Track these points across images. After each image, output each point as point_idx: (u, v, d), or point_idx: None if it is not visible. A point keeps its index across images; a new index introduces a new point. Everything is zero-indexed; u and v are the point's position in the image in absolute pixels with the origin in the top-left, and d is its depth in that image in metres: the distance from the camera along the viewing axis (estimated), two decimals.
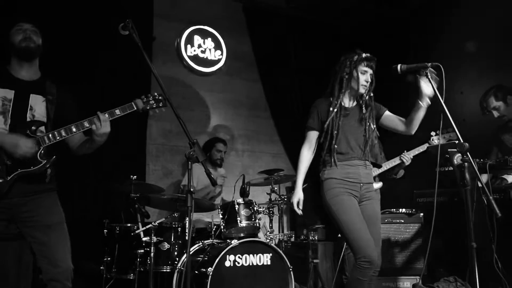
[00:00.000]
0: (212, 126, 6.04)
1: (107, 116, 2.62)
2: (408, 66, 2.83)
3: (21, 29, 2.66)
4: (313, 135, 3.18)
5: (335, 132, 3.02)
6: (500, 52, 4.98)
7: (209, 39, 6.13)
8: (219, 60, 6.16)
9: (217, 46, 6.17)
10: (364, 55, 3.07)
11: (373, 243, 2.82)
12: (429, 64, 2.69)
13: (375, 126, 3.11)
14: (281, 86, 6.49)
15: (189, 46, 5.97)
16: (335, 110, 3.05)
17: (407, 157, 4.29)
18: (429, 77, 2.65)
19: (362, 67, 3.05)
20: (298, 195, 3.14)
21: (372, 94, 3.12)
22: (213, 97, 6.15)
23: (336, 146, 3.01)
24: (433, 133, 4.12)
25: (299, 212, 3.15)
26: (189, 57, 5.95)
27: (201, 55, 6.03)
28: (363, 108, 3.10)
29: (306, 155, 3.17)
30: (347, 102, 3.14)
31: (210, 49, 6.11)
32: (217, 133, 5.88)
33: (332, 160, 3.00)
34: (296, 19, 6.63)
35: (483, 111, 4.17)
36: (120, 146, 4.82)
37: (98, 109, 2.70)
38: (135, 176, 4.05)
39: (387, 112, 3.15)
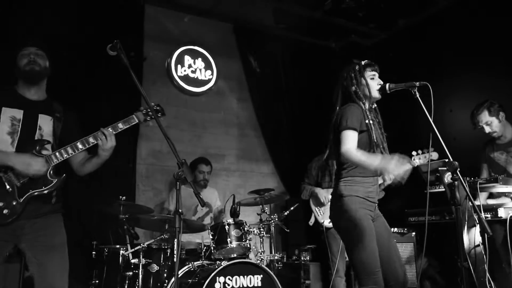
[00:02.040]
0: (203, 146, 6.01)
1: (110, 130, 2.66)
2: (396, 85, 2.84)
3: (26, 53, 2.70)
4: (355, 137, 2.76)
5: (382, 146, 2.80)
6: (489, 69, 5.03)
7: (200, 59, 6.15)
8: (209, 80, 6.17)
9: (208, 66, 6.19)
10: (364, 62, 2.97)
11: (379, 272, 2.68)
12: (417, 83, 2.70)
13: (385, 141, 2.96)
14: (271, 106, 6.51)
15: (179, 66, 5.98)
16: (371, 121, 2.83)
17: (388, 176, 4.24)
18: (417, 96, 2.66)
19: (369, 73, 2.94)
20: (390, 162, 2.62)
21: (376, 106, 3.01)
22: (204, 116, 6.14)
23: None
24: (414, 153, 4.11)
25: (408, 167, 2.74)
26: (180, 77, 5.96)
27: (191, 75, 6.05)
28: (376, 119, 2.96)
29: (357, 150, 2.72)
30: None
31: (200, 69, 6.13)
32: (208, 153, 5.85)
33: (359, 173, 2.77)
34: (286, 39, 6.68)
35: (474, 125, 4.09)
36: (109, 166, 4.75)
37: (85, 130, 2.70)
38: (124, 197, 4.00)
39: None
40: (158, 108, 2.77)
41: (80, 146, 2.61)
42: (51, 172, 2.58)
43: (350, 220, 2.73)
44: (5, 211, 2.45)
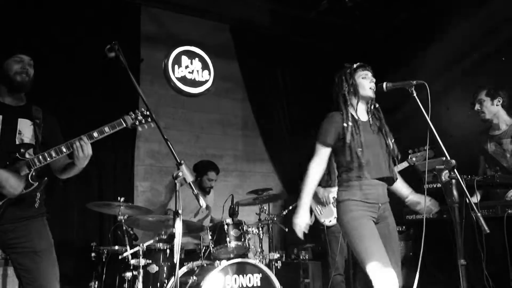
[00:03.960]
0: (201, 147, 6.02)
1: (86, 139, 2.59)
2: (393, 84, 2.85)
3: (20, 61, 2.67)
4: (326, 153, 2.89)
5: (359, 149, 2.80)
6: (487, 67, 5.04)
7: (197, 59, 6.16)
8: (206, 80, 6.18)
9: (205, 67, 6.19)
10: (355, 64, 2.98)
11: (393, 271, 2.66)
12: (414, 82, 2.71)
13: (393, 140, 2.98)
14: (269, 105, 6.53)
15: (176, 67, 5.99)
16: (350, 124, 2.84)
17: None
18: (414, 95, 2.67)
19: (360, 73, 2.94)
20: (304, 218, 2.86)
21: (378, 105, 3.01)
22: (202, 117, 6.15)
23: (364, 164, 2.78)
24: (410, 151, 4.12)
25: (301, 236, 2.91)
26: (177, 78, 5.96)
27: (188, 76, 6.05)
28: (374, 119, 2.97)
29: (317, 172, 2.88)
30: (361, 115, 2.94)
31: (197, 70, 6.14)
32: (206, 154, 5.86)
33: (360, 178, 2.79)
34: (282, 39, 6.69)
35: (472, 105, 4.04)
36: (108, 168, 4.79)
37: (85, 131, 2.69)
38: (122, 198, 4.01)
39: None
40: (147, 113, 2.71)
41: (64, 150, 2.57)
42: (33, 174, 2.53)
43: (348, 224, 2.76)
44: None
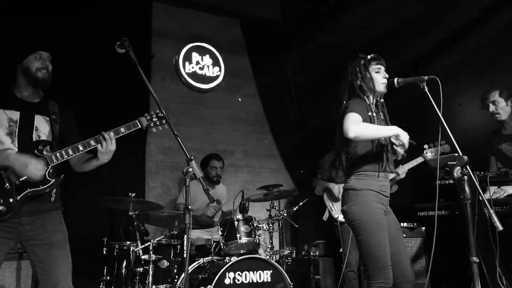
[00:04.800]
0: (212, 143, 6.03)
1: (112, 134, 2.67)
2: (404, 80, 2.83)
3: (41, 58, 2.73)
4: (360, 119, 2.76)
5: (383, 139, 2.82)
6: (499, 62, 4.98)
7: (207, 55, 6.15)
8: (217, 76, 6.18)
9: (215, 63, 6.19)
10: (369, 56, 2.96)
11: (390, 267, 2.69)
12: (426, 77, 2.68)
13: None
14: (279, 101, 6.51)
15: (187, 63, 5.99)
16: (374, 114, 2.84)
17: (401, 170, 4.24)
18: (426, 90, 2.64)
19: (374, 66, 2.93)
20: (396, 129, 2.74)
21: (383, 100, 3.01)
22: (212, 113, 6.15)
23: (389, 154, 2.82)
24: (426, 146, 4.09)
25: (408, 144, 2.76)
26: (188, 74, 5.97)
27: (199, 71, 6.06)
28: (381, 114, 2.97)
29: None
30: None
31: (208, 66, 6.13)
32: (217, 149, 5.86)
33: (379, 168, 2.80)
34: (293, 34, 6.66)
35: (482, 103, 4.07)
36: (119, 164, 4.81)
37: (98, 128, 2.72)
38: (133, 194, 4.03)
39: None
40: (161, 115, 2.77)
41: (81, 148, 2.63)
42: (50, 171, 2.59)
43: (364, 214, 2.74)
44: (1, 208, 2.47)
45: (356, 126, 2.71)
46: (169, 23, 5.98)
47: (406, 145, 2.75)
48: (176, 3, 6.00)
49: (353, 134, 2.70)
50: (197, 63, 6.06)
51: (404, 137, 2.71)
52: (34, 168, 2.51)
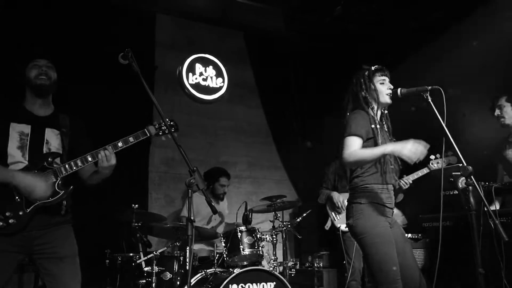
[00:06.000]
0: (215, 154, 6.03)
1: (111, 149, 2.67)
2: (408, 90, 2.83)
3: (37, 65, 2.74)
4: (359, 144, 2.77)
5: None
6: (503, 72, 4.97)
7: (211, 67, 6.18)
8: (220, 87, 6.19)
9: (219, 74, 6.21)
10: (374, 67, 2.96)
11: (400, 281, 2.65)
12: (429, 87, 2.68)
13: None
14: (282, 112, 6.52)
15: (190, 74, 6.01)
16: (378, 126, 2.83)
17: (406, 181, 4.23)
18: (429, 100, 2.64)
19: (378, 78, 2.93)
20: (399, 145, 2.65)
21: (386, 111, 3.00)
22: (216, 124, 6.16)
23: (392, 166, 2.81)
24: (432, 157, 4.07)
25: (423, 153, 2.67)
26: (191, 85, 5.99)
27: (202, 83, 6.08)
28: (384, 125, 2.96)
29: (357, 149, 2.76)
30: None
31: (211, 77, 6.16)
32: (220, 161, 5.86)
33: (382, 181, 2.79)
34: (296, 45, 6.69)
35: (492, 107, 4.07)
36: (122, 174, 4.80)
37: (102, 139, 2.73)
38: (136, 205, 4.02)
39: None
40: (172, 123, 2.82)
41: (90, 159, 2.64)
42: (59, 182, 2.59)
43: (369, 228, 2.72)
44: (11, 221, 2.46)
45: (352, 156, 2.72)
46: (173, 35, 6.02)
47: (413, 158, 2.63)
48: (179, 15, 6.04)
49: (350, 165, 2.82)
50: (201, 74, 6.09)
51: (406, 151, 2.61)
52: (39, 189, 2.50)
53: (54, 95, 2.87)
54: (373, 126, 2.83)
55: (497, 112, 3.99)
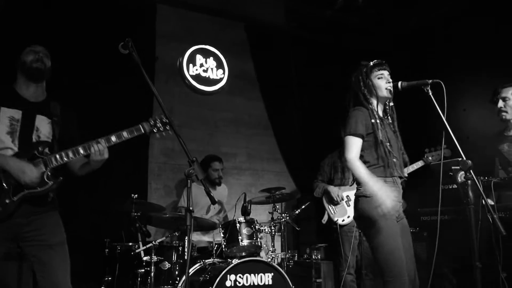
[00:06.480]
0: (215, 145, 6.03)
1: (104, 143, 2.65)
2: (408, 83, 2.83)
3: (34, 51, 2.73)
4: (360, 143, 2.84)
5: (388, 144, 2.82)
6: (503, 68, 4.97)
7: (211, 58, 6.16)
8: (221, 79, 6.18)
9: (219, 65, 6.19)
10: (372, 62, 2.97)
11: (406, 274, 2.67)
12: (430, 81, 2.68)
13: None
14: (283, 104, 6.50)
15: (191, 65, 6.00)
16: (378, 121, 2.85)
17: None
18: (430, 94, 2.64)
19: (376, 73, 2.93)
20: (384, 191, 2.70)
21: (392, 104, 3.00)
22: (216, 115, 6.15)
23: (395, 160, 2.80)
24: (426, 150, 4.07)
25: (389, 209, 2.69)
26: (191, 76, 5.97)
27: (203, 74, 6.06)
28: (389, 118, 2.98)
29: (358, 161, 2.81)
30: (380, 114, 2.96)
31: (212, 68, 6.14)
32: (220, 152, 5.87)
33: (386, 174, 2.79)
34: (297, 38, 6.67)
35: (492, 97, 3.90)
36: (122, 165, 4.81)
37: (101, 130, 2.72)
38: (136, 195, 4.03)
39: None
40: (166, 121, 2.77)
41: (81, 151, 2.62)
42: (49, 173, 2.57)
43: (376, 221, 2.72)
44: None
45: (353, 166, 2.79)
46: (174, 25, 5.99)
47: (382, 208, 2.67)
48: (180, 5, 6.01)
49: (349, 166, 2.82)
50: (201, 65, 6.07)
51: (383, 201, 2.65)
52: (29, 175, 2.49)
53: (49, 83, 2.84)
54: (373, 121, 2.85)
55: (500, 104, 3.82)
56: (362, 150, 2.86)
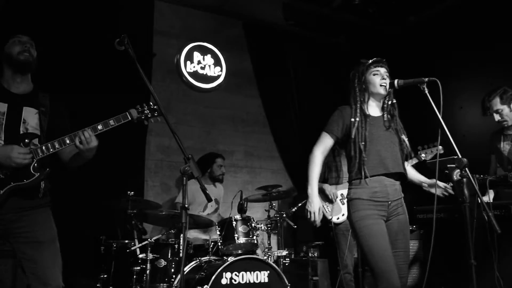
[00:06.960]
0: (212, 142, 6.02)
1: (90, 132, 2.58)
2: (405, 81, 2.82)
3: (20, 41, 2.65)
4: (330, 142, 2.93)
5: (362, 143, 2.80)
6: (500, 66, 4.98)
7: (209, 55, 6.15)
8: (218, 76, 6.17)
9: (217, 63, 6.18)
10: (370, 60, 2.95)
11: (396, 273, 2.64)
12: (426, 79, 2.68)
13: (406, 138, 2.94)
14: (280, 102, 6.50)
15: (188, 62, 5.98)
16: (357, 119, 2.85)
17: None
18: (426, 92, 2.64)
19: (372, 69, 2.91)
20: (316, 204, 2.85)
21: (395, 101, 2.98)
22: (213, 113, 6.14)
23: (365, 158, 2.78)
24: (419, 147, 4.07)
25: (318, 223, 2.89)
26: (189, 73, 5.96)
27: (200, 71, 6.05)
28: (388, 115, 2.94)
29: (320, 158, 2.90)
30: (373, 111, 2.94)
31: (209, 66, 6.13)
32: (217, 149, 5.86)
33: (362, 175, 2.77)
34: (295, 36, 6.67)
35: (484, 111, 3.98)
36: (118, 162, 4.81)
37: (94, 123, 2.68)
38: (132, 192, 4.02)
39: None
40: (155, 107, 2.71)
41: (68, 141, 2.56)
42: (35, 165, 2.52)
43: (356, 222, 2.77)
44: None
45: (311, 160, 2.93)
46: (171, 22, 5.98)
47: (311, 217, 2.86)
48: (178, 2, 6.00)
49: (310, 157, 2.95)
50: (199, 62, 6.06)
51: (311, 215, 2.86)
52: (17, 155, 2.44)
53: (36, 74, 2.78)
54: (352, 119, 2.87)
55: (497, 118, 3.91)
56: (345, 150, 2.94)
